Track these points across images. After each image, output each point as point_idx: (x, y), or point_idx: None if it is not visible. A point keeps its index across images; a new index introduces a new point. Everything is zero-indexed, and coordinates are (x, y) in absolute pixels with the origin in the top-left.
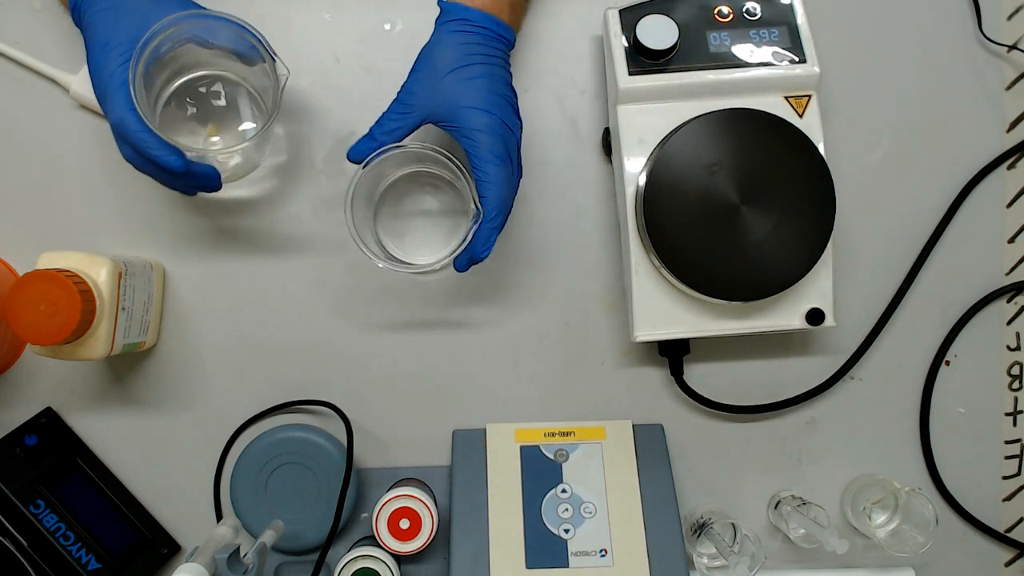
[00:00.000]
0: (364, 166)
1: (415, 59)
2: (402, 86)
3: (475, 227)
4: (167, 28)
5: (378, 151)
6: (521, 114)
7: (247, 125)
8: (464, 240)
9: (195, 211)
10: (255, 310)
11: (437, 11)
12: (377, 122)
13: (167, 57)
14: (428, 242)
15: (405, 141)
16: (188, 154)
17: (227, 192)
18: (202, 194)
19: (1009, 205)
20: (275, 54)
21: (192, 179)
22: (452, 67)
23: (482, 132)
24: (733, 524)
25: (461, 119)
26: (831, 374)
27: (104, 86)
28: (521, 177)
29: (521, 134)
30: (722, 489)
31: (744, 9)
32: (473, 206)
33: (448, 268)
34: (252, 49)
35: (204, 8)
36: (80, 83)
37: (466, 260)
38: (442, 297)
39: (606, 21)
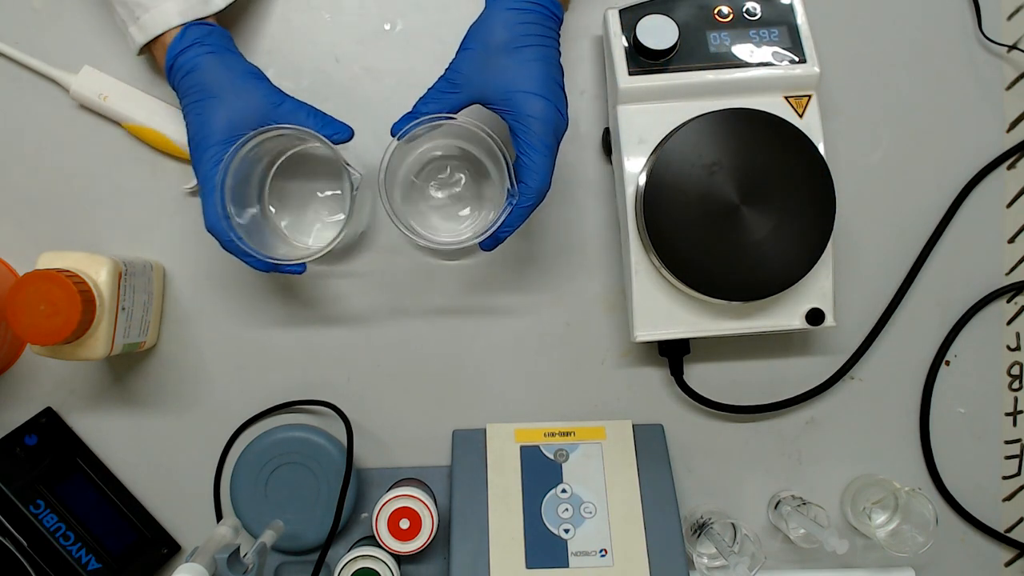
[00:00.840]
0: (399, 138)
1: (464, 36)
2: (450, 64)
3: (509, 209)
4: (249, 141)
5: (418, 121)
6: None
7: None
8: (498, 220)
9: (195, 212)
10: (255, 310)
11: (436, 11)
12: (421, 99)
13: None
14: (448, 222)
15: (448, 114)
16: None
17: None
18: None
19: (1009, 205)
20: (348, 163)
21: (279, 271)
22: (507, 47)
23: (536, 119)
24: (733, 524)
25: (515, 103)
26: (831, 374)
27: (201, 185)
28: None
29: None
30: (722, 489)
31: (744, 9)
32: (509, 186)
33: (471, 249)
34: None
35: (285, 97)
36: (80, 83)
37: (492, 240)
38: (442, 298)
39: (606, 21)
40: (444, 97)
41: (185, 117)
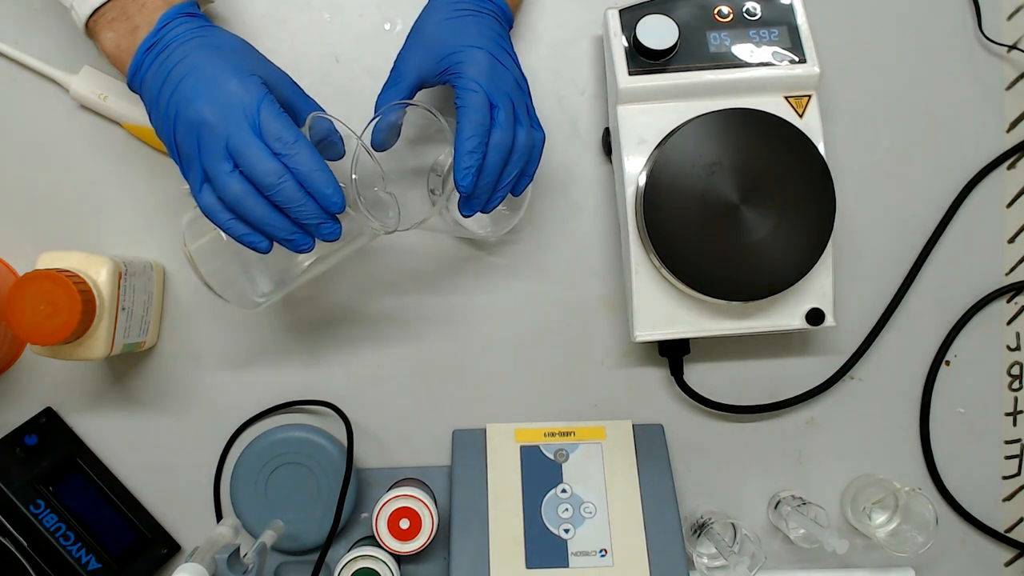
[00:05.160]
0: (360, 136)
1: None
2: (396, 57)
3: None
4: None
5: (375, 116)
6: None
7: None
8: (447, 188)
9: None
10: (254, 310)
11: None
12: (377, 99)
13: None
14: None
15: (385, 106)
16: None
17: None
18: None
19: (1009, 205)
20: (355, 133)
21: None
22: (439, 21)
23: (464, 63)
24: (733, 524)
25: (447, 63)
26: (831, 374)
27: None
28: (544, 136)
29: (528, 90)
30: (722, 489)
31: (744, 9)
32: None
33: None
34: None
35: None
36: (80, 83)
37: (465, 204)
38: (442, 297)
39: (606, 21)
40: (392, 90)
41: (185, 61)
